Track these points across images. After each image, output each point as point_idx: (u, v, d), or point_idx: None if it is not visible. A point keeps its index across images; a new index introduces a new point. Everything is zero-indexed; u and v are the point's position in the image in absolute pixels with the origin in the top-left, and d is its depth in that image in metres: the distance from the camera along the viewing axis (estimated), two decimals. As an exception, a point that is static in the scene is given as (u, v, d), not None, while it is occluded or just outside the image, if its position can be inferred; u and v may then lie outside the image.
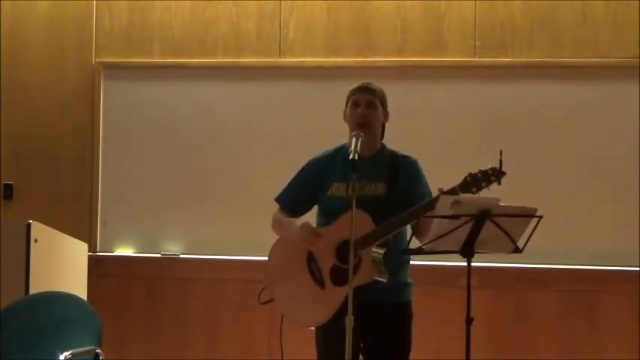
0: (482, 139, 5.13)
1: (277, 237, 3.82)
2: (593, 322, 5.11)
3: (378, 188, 3.64)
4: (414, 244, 3.57)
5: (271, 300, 3.76)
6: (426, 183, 3.75)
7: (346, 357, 3.20)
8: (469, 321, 3.48)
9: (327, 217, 3.73)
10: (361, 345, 3.63)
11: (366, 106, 3.68)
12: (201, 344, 5.40)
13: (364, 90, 3.71)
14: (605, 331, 5.09)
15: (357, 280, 3.46)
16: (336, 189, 3.70)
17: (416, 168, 3.76)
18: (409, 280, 3.76)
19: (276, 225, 3.81)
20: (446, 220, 3.37)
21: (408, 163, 3.75)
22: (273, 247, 3.83)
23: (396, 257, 3.65)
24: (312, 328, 3.72)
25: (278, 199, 3.86)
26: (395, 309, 3.68)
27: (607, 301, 5.09)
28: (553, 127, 5.20)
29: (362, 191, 3.60)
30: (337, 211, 3.65)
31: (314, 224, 3.79)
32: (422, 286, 5.05)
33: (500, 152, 3.40)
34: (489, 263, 4.86)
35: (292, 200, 3.82)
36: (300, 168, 3.83)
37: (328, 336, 3.63)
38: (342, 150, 3.76)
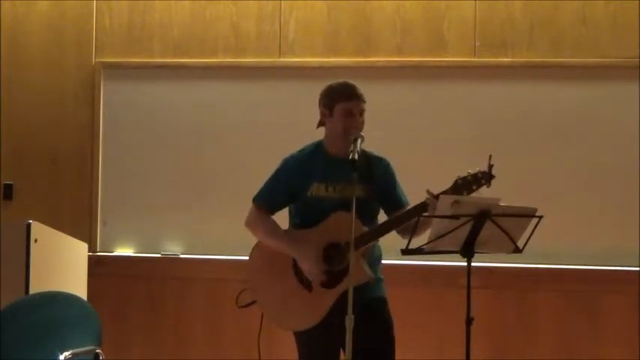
0: (482, 138, 5.13)
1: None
2: (593, 322, 5.11)
3: (357, 190, 3.62)
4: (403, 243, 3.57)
5: (252, 303, 3.74)
6: (400, 184, 3.77)
7: (346, 356, 3.20)
8: (469, 321, 3.49)
9: (305, 217, 3.71)
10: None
11: (360, 115, 3.66)
12: (201, 344, 5.40)
13: (357, 98, 3.65)
14: (606, 331, 5.09)
15: (350, 282, 3.47)
16: (317, 189, 3.68)
17: (390, 170, 3.77)
18: (381, 276, 3.77)
19: (270, 237, 3.73)
20: (446, 220, 3.38)
21: (381, 165, 3.75)
22: (254, 249, 3.81)
23: (371, 256, 3.68)
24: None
25: (258, 201, 3.79)
26: (374, 304, 3.68)
27: (607, 301, 5.09)
28: (553, 127, 5.20)
29: (342, 193, 3.61)
30: (316, 211, 3.65)
31: (286, 224, 3.78)
32: (422, 286, 5.09)
33: (490, 157, 3.42)
34: (489, 263, 4.87)
35: (273, 202, 3.78)
36: (277, 167, 3.79)
37: (315, 338, 3.62)
38: (320, 148, 3.75)
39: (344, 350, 3.50)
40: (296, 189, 3.72)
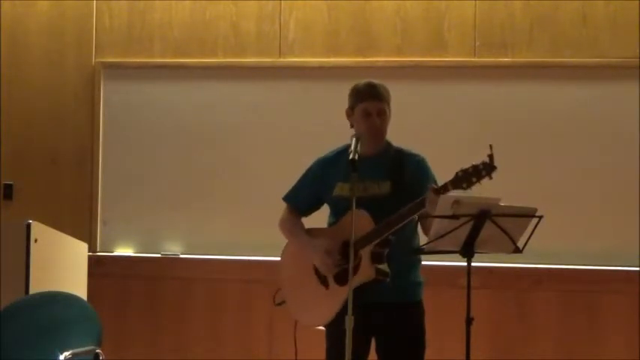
0: (481, 139, 5.05)
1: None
2: (593, 322, 5.10)
3: (382, 187, 3.64)
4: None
5: (284, 302, 3.79)
6: (435, 181, 3.71)
7: (346, 357, 3.21)
8: (469, 321, 3.48)
9: (334, 216, 3.77)
10: (372, 344, 3.66)
11: (378, 115, 3.68)
12: (201, 344, 5.40)
13: (375, 98, 3.67)
14: (605, 331, 5.09)
15: (357, 279, 3.47)
16: (340, 189, 3.71)
17: (422, 166, 3.75)
18: (420, 279, 3.77)
19: (289, 235, 3.82)
20: (446, 220, 3.37)
21: (414, 162, 3.75)
22: (285, 248, 3.87)
23: (407, 257, 3.68)
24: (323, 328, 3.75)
25: (285, 200, 3.88)
26: (407, 308, 3.70)
27: (607, 301, 5.09)
28: (553, 127, 5.20)
29: (365, 191, 3.61)
30: (342, 210, 3.67)
31: (324, 224, 3.81)
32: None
33: (490, 146, 3.37)
34: (489, 263, 4.87)
35: (300, 202, 3.85)
36: (307, 168, 3.85)
37: (334, 336, 3.62)
38: (348, 149, 3.76)
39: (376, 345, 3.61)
40: (320, 190, 3.78)
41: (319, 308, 3.67)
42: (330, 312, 3.61)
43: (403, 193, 3.64)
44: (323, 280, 3.67)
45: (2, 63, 5.62)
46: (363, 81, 3.75)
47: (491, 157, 3.37)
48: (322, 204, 3.85)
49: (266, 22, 5.46)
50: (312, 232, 3.79)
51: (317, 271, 3.70)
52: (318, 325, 3.70)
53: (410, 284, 3.72)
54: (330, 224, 3.79)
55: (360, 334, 3.32)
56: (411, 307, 3.73)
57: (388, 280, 3.57)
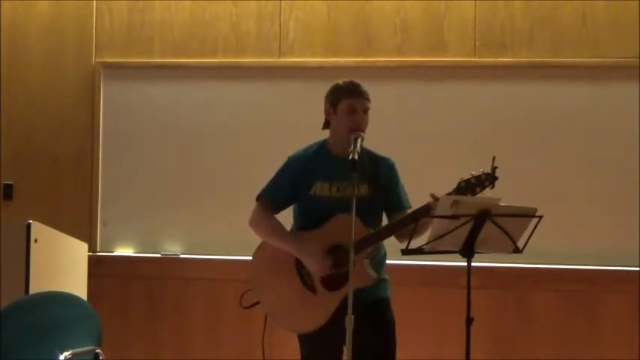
0: (482, 139, 5.13)
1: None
2: (593, 322, 5.11)
3: (361, 189, 3.62)
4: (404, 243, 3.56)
5: (256, 304, 3.72)
6: (403, 185, 3.77)
7: (347, 357, 3.20)
8: (469, 321, 3.49)
9: (308, 216, 3.70)
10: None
11: (364, 113, 3.67)
12: (201, 344, 5.40)
13: (361, 95, 3.67)
14: (605, 331, 5.09)
15: (355, 284, 3.47)
16: (320, 188, 3.67)
17: (394, 170, 3.77)
18: (386, 276, 3.77)
19: (273, 236, 3.71)
20: (446, 220, 3.37)
21: (386, 165, 3.76)
22: (257, 249, 3.78)
23: (376, 256, 3.68)
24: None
25: (263, 198, 3.75)
26: (379, 306, 3.69)
27: (607, 301, 5.09)
28: (553, 127, 5.20)
29: (345, 192, 3.60)
30: (319, 210, 3.64)
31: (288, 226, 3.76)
32: (422, 286, 5.10)
33: (494, 158, 3.41)
34: (489, 263, 4.87)
35: (277, 199, 3.75)
36: (281, 165, 3.77)
37: (318, 340, 3.60)
38: (324, 148, 3.75)
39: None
40: (300, 187, 3.70)
41: (308, 314, 3.61)
42: (321, 318, 3.56)
43: (379, 195, 3.65)
44: (309, 286, 3.62)
45: (2, 63, 5.62)
46: (343, 80, 3.73)
47: (494, 168, 3.40)
48: (295, 202, 3.76)
49: (266, 22, 5.46)
50: (296, 235, 3.71)
51: (301, 276, 3.65)
52: (306, 331, 3.62)
53: (381, 281, 3.72)
54: (301, 225, 3.72)
55: (339, 337, 3.29)
56: (385, 303, 3.72)
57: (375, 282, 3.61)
